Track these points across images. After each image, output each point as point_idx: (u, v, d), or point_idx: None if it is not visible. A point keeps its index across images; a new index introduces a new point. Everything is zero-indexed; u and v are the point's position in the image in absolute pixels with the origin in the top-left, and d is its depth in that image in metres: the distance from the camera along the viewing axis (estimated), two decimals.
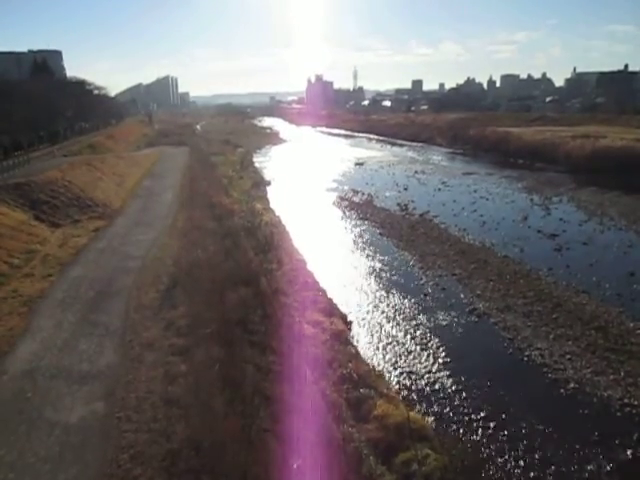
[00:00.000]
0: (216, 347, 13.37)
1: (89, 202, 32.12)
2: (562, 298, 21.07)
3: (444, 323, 19.27)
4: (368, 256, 27.70)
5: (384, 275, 24.64)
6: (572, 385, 14.91)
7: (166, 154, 63.04)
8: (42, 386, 11.94)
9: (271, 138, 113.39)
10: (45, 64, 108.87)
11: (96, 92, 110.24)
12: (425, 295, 22.01)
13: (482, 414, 13.65)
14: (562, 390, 14.75)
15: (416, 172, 57.73)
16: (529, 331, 18.25)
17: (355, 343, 17.56)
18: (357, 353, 16.57)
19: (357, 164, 66.17)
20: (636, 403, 13.98)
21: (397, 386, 15.04)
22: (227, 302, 16.42)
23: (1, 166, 37.39)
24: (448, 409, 13.97)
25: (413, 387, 15.07)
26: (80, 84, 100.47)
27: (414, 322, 19.36)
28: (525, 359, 16.52)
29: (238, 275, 18.96)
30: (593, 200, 40.76)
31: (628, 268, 24.72)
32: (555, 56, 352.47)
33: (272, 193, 44.95)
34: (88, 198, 32.62)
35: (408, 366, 16.22)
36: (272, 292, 18.84)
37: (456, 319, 19.55)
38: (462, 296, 21.77)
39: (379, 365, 16.25)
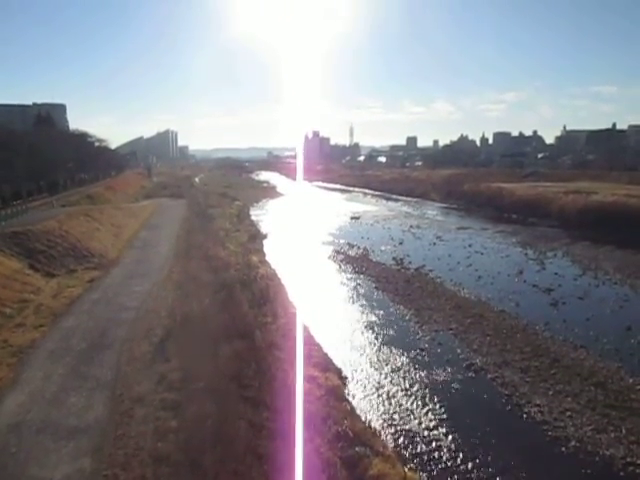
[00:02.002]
0: (208, 402, 13.08)
1: (85, 252, 32.15)
2: (560, 353, 20.87)
3: (441, 379, 18.96)
4: (364, 310, 27.54)
5: (380, 329, 24.42)
6: (573, 443, 14.54)
7: (164, 206, 63.62)
8: (28, 441, 11.57)
9: (268, 192, 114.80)
10: (49, 117, 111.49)
11: (97, 144, 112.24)
12: (421, 350, 21.75)
13: (481, 474, 13.23)
14: (563, 448, 14.38)
15: (411, 227, 58.25)
16: (527, 387, 17.96)
17: (350, 399, 17.20)
18: (352, 409, 16.20)
19: (353, 218, 66.78)
20: (639, 462, 13.61)
21: (393, 444, 14.63)
22: (221, 356, 16.19)
23: None
24: (446, 469, 13.55)
25: (410, 445, 14.66)
26: (82, 136, 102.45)
27: (410, 378, 19.05)
28: (524, 416, 16.18)
29: (232, 328, 18.76)
30: (587, 254, 41.06)
31: (625, 322, 24.63)
32: (544, 115, 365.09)
33: (268, 246, 45.10)
34: (84, 248, 32.67)
35: (405, 423, 15.84)
36: (266, 346, 18.59)
37: (453, 375, 19.25)
38: (459, 351, 21.54)
39: (375, 422, 15.86)
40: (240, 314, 21.07)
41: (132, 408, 13.08)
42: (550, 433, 15.13)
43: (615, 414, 16.00)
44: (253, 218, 65.73)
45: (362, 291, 31.35)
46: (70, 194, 62.62)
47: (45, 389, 14.14)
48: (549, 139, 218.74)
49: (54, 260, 29.63)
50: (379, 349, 21.96)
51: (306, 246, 46.99)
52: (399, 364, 20.31)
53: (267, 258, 38.80)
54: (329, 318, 26.04)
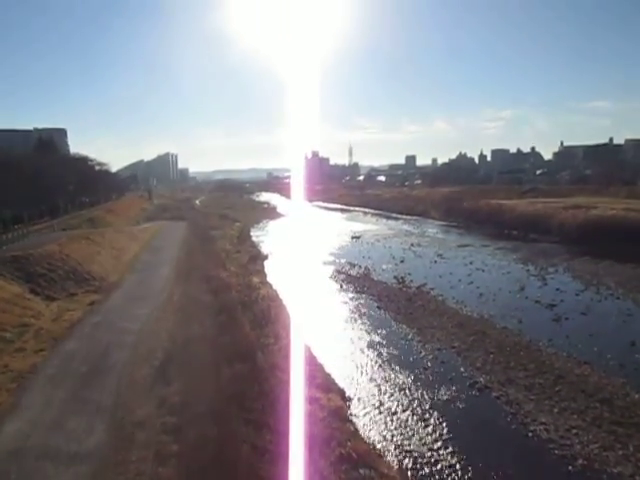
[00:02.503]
0: (210, 425, 12.95)
1: (86, 275, 32.15)
2: (564, 370, 20.69)
3: (445, 398, 18.78)
4: (366, 329, 27.40)
5: (382, 349, 24.26)
6: (580, 462, 14.33)
7: (164, 228, 63.76)
8: (27, 467, 11.44)
9: (268, 212, 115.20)
10: (50, 141, 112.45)
11: (98, 168, 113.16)
12: (424, 369, 21.58)
13: None
14: (570, 467, 14.17)
15: (412, 245, 58.24)
16: (532, 405, 17.77)
17: (354, 420, 17.01)
18: (356, 431, 16.03)
19: (353, 237, 66.80)
20: None
21: (398, 466, 14.42)
22: (222, 378, 16.07)
23: (0, 239, 37.68)
24: None
25: (415, 467, 14.46)
26: (83, 160, 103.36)
27: (414, 397, 18.87)
28: (530, 434, 15.98)
29: (234, 350, 18.67)
30: (588, 269, 40.96)
31: (629, 337, 24.44)
32: (541, 131, 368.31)
33: (269, 267, 45.09)
34: (85, 271, 32.67)
35: (409, 444, 15.64)
36: (268, 368, 18.47)
37: (457, 393, 19.07)
38: (462, 369, 21.37)
39: (379, 443, 15.66)
40: (241, 336, 20.98)
41: (133, 432, 12.95)
42: (556, 451, 14.92)
43: (622, 431, 15.80)
44: (254, 239, 65.83)
45: (364, 310, 31.23)
46: (71, 217, 62.90)
47: (45, 414, 14.01)
48: (547, 155, 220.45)
49: (54, 284, 29.61)
50: (382, 368, 21.80)
51: (307, 266, 46.90)
52: (402, 383, 20.13)
53: (268, 279, 38.76)
54: (331, 338, 25.90)
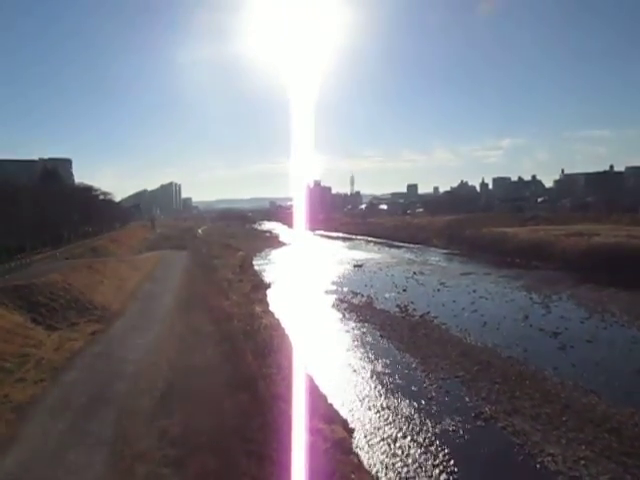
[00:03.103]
0: (212, 457, 12.73)
1: (88, 305, 32.04)
2: (570, 399, 20.39)
3: (450, 429, 18.46)
4: (369, 359, 27.13)
5: (386, 378, 23.98)
6: None
7: (167, 257, 63.80)
8: None
9: (271, 241, 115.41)
10: (55, 171, 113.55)
11: (102, 197, 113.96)
12: (429, 399, 21.28)
13: None
14: None
15: (414, 273, 58.10)
16: (539, 435, 17.44)
17: (357, 452, 16.71)
18: (360, 463, 15.73)
19: (356, 266, 66.73)
20: None
21: None
22: (224, 409, 15.86)
23: (3, 268, 37.73)
24: None
25: None
26: (87, 190, 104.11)
27: (419, 428, 18.55)
28: (537, 466, 15.65)
29: (236, 380, 18.48)
30: (592, 297, 40.73)
31: (635, 366, 24.19)
32: (541, 159, 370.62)
33: (272, 296, 44.91)
34: (87, 301, 32.58)
35: (415, 476, 15.31)
36: (271, 398, 18.23)
37: (462, 424, 18.75)
38: (467, 399, 21.06)
39: (383, 476, 15.34)
40: (243, 365, 20.79)
41: (133, 465, 12.72)
42: None
43: (631, 462, 15.47)
44: (256, 268, 65.77)
45: (367, 339, 30.98)
46: (74, 247, 63.11)
47: (44, 446, 13.79)
48: (548, 183, 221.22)
49: (56, 313, 29.49)
50: (386, 399, 21.49)
51: (310, 295, 46.73)
52: (407, 414, 19.82)
53: (271, 308, 38.57)
54: (334, 367, 25.64)
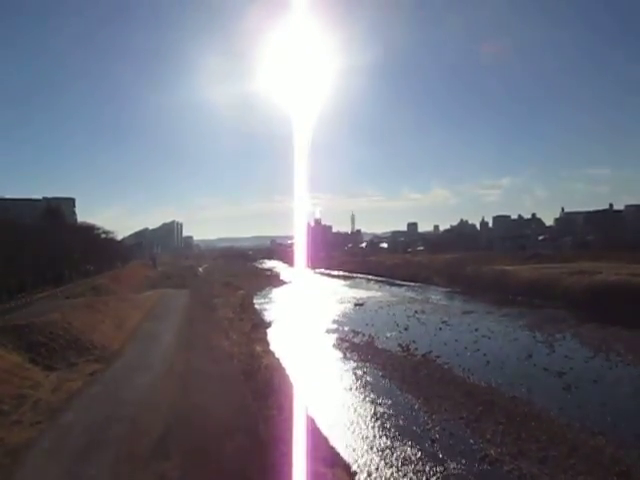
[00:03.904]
0: None
1: (87, 344, 31.77)
2: (577, 441, 19.97)
3: (455, 472, 18.02)
4: (371, 400, 26.69)
5: (388, 420, 23.55)
6: None
7: (167, 296, 63.62)
8: None
9: (272, 280, 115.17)
10: (57, 210, 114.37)
11: (104, 236, 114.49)
12: (432, 441, 20.84)
13: None
14: None
15: (416, 312, 57.75)
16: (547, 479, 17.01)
17: None
18: None
19: (357, 305, 66.42)
20: None
21: None
22: (224, 452, 15.55)
23: (3, 308, 37.62)
24: None
25: None
26: (89, 229, 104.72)
27: (423, 471, 18.11)
28: None
29: (236, 422, 18.19)
30: (596, 335, 40.36)
31: None
32: (540, 197, 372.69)
33: (272, 335, 44.55)
34: (87, 340, 32.33)
35: None
36: (271, 440, 17.87)
37: (467, 467, 18.30)
38: (471, 441, 20.63)
39: None
40: (244, 407, 20.49)
41: None
42: None
43: None
44: (257, 307, 65.48)
45: (369, 379, 30.56)
46: (75, 286, 63.02)
47: None
48: (548, 221, 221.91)
49: (55, 353, 29.23)
50: (389, 441, 21.05)
51: (311, 334, 46.38)
52: (410, 457, 19.38)
53: (271, 347, 38.20)
54: (336, 408, 25.23)
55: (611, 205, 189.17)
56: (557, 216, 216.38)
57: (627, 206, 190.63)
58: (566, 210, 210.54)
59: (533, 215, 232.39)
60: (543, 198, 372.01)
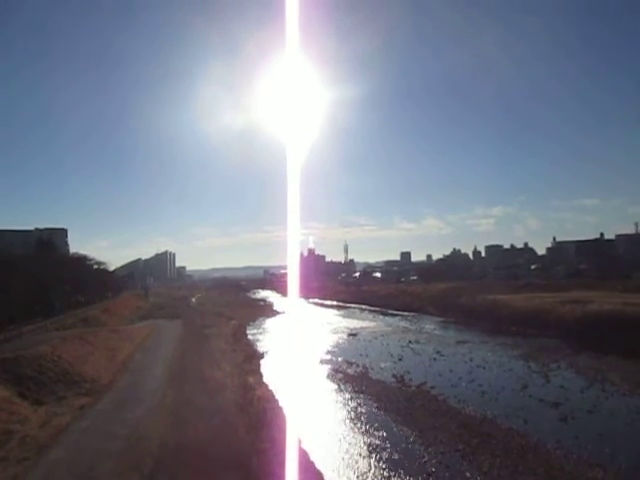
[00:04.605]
0: None
1: (77, 377, 31.28)
2: (576, 473, 19.69)
3: None
4: (366, 432, 26.28)
5: (383, 452, 23.15)
6: None
7: (159, 327, 63.06)
8: None
9: (265, 310, 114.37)
10: (50, 242, 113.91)
11: (96, 267, 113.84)
12: (428, 475, 20.47)
13: None
14: None
15: (410, 342, 57.40)
16: None
17: None
18: None
19: (350, 335, 65.94)
20: None
21: None
22: None
23: None
24: None
25: None
26: (81, 260, 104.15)
27: None
28: None
29: (228, 457, 17.86)
30: (591, 365, 40.19)
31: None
32: (532, 227, 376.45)
33: (265, 366, 44.02)
34: (76, 373, 31.84)
35: None
36: (264, 476, 17.51)
37: None
38: (468, 474, 20.28)
39: None
40: (236, 441, 20.13)
41: None
42: None
43: None
44: (250, 337, 64.85)
45: (363, 411, 30.15)
46: (65, 317, 62.32)
47: None
48: (540, 250, 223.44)
49: (44, 387, 28.73)
50: (384, 474, 20.66)
51: (304, 365, 45.92)
52: None
53: (264, 379, 37.69)
54: (330, 441, 24.80)
55: (602, 234, 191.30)
56: (549, 245, 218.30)
57: (618, 235, 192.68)
58: (558, 239, 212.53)
59: (525, 244, 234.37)
60: (534, 227, 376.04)
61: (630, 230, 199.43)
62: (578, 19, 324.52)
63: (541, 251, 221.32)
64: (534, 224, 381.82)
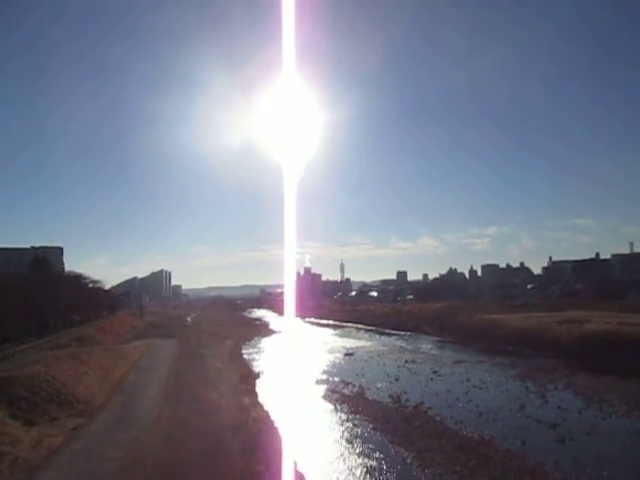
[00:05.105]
0: None
1: (70, 398, 30.94)
2: None
3: None
4: (362, 453, 25.98)
5: (380, 475, 22.87)
6: None
7: (154, 347, 62.63)
8: None
9: (261, 329, 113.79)
10: (45, 260, 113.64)
11: (91, 285, 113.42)
12: None
13: None
14: None
15: (406, 361, 57.10)
16: None
17: None
18: None
19: (347, 354, 65.58)
20: None
21: None
22: None
23: None
24: None
25: None
26: (76, 278, 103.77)
27: None
28: None
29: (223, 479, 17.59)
30: (588, 385, 40.00)
31: (638, 458, 23.35)
32: (527, 247, 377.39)
33: (261, 386, 43.66)
34: (70, 393, 31.49)
35: None
36: None
37: None
38: None
39: None
40: (231, 462, 19.89)
41: None
42: None
43: None
44: (245, 357, 64.41)
45: (359, 432, 29.84)
46: (60, 336, 61.86)
47: None
48: (536, 270, 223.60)
49: (37, 407, 28.36)
50: None
51: (300, 385, 45.56)
52: None
53: (259, 399, 37.38)
54: (326, 463, 24.49)
55: (597, 254, 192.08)
56: (545, 265, 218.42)
57: (613, 255, 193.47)
58: (554, 259, 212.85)
59: (521, 264, 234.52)
60: (530, 247, 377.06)
61: (625, 250, 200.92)
62: (572, 40, 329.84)
63: (537, 270, 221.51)
64: (529, 243, 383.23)
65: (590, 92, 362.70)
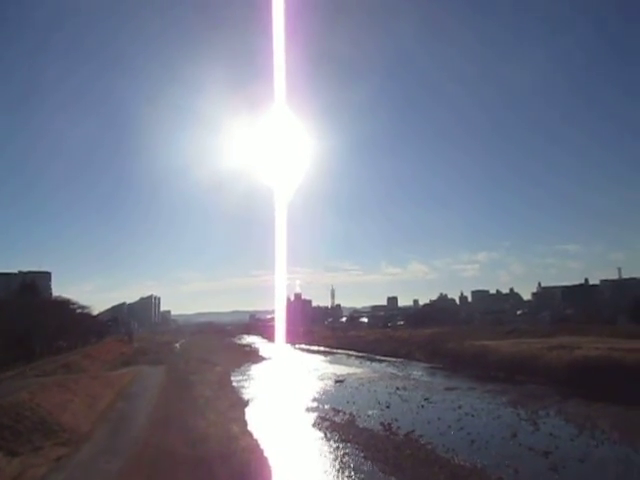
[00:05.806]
0: None
1: (55, 427, 30.25)
2: None
3: None
4: None
5: None
6: None
7: (142, 374, 61.72)
8: None
9: (250, 356, 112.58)
10: (33, 285, 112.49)
11: (79, 311, 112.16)
12: None
13: None
14: None
15: (397, 388, 56.62)
16: None
17: None
18: None
19: (337, 381, 64.94)
20: None
21: None
22: None
23: None
24: None
25: None
26: (64, 303, 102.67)
27: None
28: None
29: None
30: (580, 412, 39.82)
31: None
32: (517, 272, 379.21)
33: (250, 414, 43.01)
34: (55, 422, 30.81)
35: None
36: None
37: None
38: None
39: None
40: None
41: None
42: None
43: None
44: (234, 384, 63.59)
45: (349, 461, 29.39)
46: (46, 363, 60.83)
47: None
48: (526, 295, 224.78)
49: (20, 436, 27.71)
50: None
51: (290, 413, 44.99)
52: None
53: (249, 427, 36.80)
54: None
55: (586, 280, 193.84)
56: (534, 290, 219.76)
57: (602, 281, 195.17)
58: (543, 284, 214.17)
59: (511, 289, 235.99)
60: (519, 272, 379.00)
61: (613, 275, 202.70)
62: (563, 68, 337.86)
63: (526, 296, 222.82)
64: (519, 269, 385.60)
65: (579, 121, 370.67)
